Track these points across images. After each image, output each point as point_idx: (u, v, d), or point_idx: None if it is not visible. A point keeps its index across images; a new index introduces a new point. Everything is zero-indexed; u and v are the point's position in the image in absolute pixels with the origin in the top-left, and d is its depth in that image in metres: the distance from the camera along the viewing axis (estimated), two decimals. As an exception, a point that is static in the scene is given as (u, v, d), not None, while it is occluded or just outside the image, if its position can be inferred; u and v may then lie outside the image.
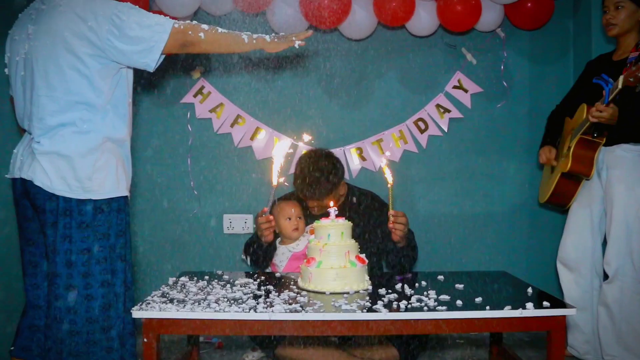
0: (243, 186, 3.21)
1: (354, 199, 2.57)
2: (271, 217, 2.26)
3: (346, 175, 2.98)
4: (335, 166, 2.46)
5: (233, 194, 3.25)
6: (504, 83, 3.36)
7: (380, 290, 2.06)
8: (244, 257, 2.55)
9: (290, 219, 2.47)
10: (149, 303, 1.95)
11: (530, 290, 2.13)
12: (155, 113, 3.28)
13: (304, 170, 2.41)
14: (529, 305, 1.90)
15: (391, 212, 2.20)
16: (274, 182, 2.15)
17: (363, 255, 1.99)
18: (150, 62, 1.86)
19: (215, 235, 3.31)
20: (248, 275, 2.29)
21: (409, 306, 1.90)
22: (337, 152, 3.14)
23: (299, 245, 2.49)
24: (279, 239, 2.54)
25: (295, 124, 3.23)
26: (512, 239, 3.41)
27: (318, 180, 2.37)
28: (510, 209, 3.38)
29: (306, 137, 2.88)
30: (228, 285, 2.14)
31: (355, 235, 2.10)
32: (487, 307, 1.89)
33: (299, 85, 3.25)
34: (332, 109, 3.29)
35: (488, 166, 3.39)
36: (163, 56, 1.88)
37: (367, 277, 2.01)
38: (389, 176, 2.15)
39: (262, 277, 2.21)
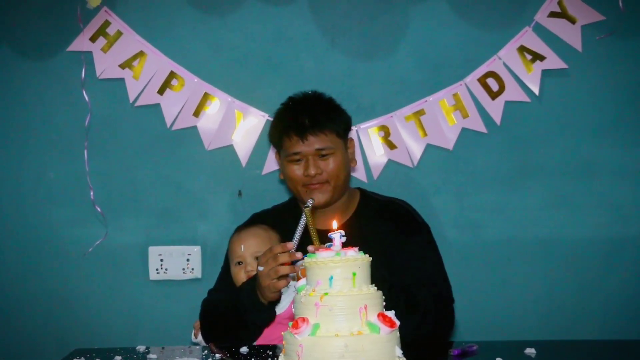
0: (184, 198, 2.66)
1: (372, 213, 2.21)
2: (300, 255, 1.84)
3: (362, 175, 2.61)
4: (335, 103, 2.22)
5: (165, 212, 2.65)
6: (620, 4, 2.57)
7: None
8: (197, 337, 2.13)
9: (240, 262, 2.06)
10: None
11: None
12: (22, 70, 2.65)
13: (289, 102, 2.18)
14: None
15: (311, 247, 1.77)
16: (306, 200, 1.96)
17: (391, 314, 1.55)
18: None
19: (133, 283, 2.66)
20: (193, 352, 1.96)
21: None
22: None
23: (280, 303, 2.05)
24: None
25: (272, 87, 2.64)
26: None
27: (313, 102, 2.14)
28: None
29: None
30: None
31: (379, 277, 1.74)
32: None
33: (279, 19, 2.66)
34: (335, 60, 2.68)
35: (613, 157, 2.66)
36: None
37: (400, 352, 1.55)
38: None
39: (218, 356, 1.86)
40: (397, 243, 2.10)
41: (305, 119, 2.09)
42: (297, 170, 2.08)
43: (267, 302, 1.94)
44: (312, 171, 2.07)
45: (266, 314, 1.97)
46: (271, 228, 2.09)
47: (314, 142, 2.06)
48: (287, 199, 2.27)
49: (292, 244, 1.88)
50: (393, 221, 2.15)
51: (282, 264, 1.88)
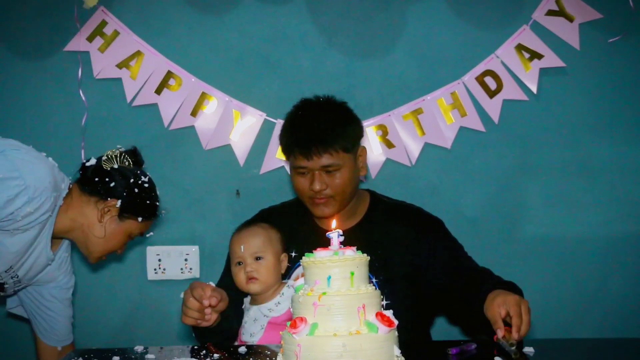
0: (182, 197, 2.62)
1: (384, 216, 2.15)
2: (207, 304, 1.81)
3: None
4: (351, 112, 2.14)
5: (163, 210, 2.49)
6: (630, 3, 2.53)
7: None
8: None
9: (240, 263, 1.99)
10: None
11: None
12: (19, 70, 2.62)
13: (298, 111, 2.10)
14: None
15: (520, 331, 1.70)
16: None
17: (390, 313, 1.52)
18: None
19: (132, 284, 2.63)
20: (192, 351, 1.88)
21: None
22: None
23: (281, 304, 2.03)
24: (247, 297, 2.11)
25: (270, 86, 2.62)
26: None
27: (322, 115, 2.05)
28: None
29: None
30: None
31: (382, 280, 1.95)
32: None
33: (276, 19, 2.62)
34: (333, 60, 2.64)
35: (611, 155, 2.61)
36: None
37: (398, 351, 1.53)
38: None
39: (216, 356, 1.82)
40: (419, 244, 2.08)
41: (311, 136, 2.04)
42: (303, 182, 2.06)
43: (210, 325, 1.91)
44: (317, 187, 2.05)
45: (224, 324, 1.93)
46: (272, 227, 2.06)
47: (319, 161, 2.03)
48: (286, 197, 2.24)
49: (207, 302, 1.83)
50: (408, 223, 2.13)
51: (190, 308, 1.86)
